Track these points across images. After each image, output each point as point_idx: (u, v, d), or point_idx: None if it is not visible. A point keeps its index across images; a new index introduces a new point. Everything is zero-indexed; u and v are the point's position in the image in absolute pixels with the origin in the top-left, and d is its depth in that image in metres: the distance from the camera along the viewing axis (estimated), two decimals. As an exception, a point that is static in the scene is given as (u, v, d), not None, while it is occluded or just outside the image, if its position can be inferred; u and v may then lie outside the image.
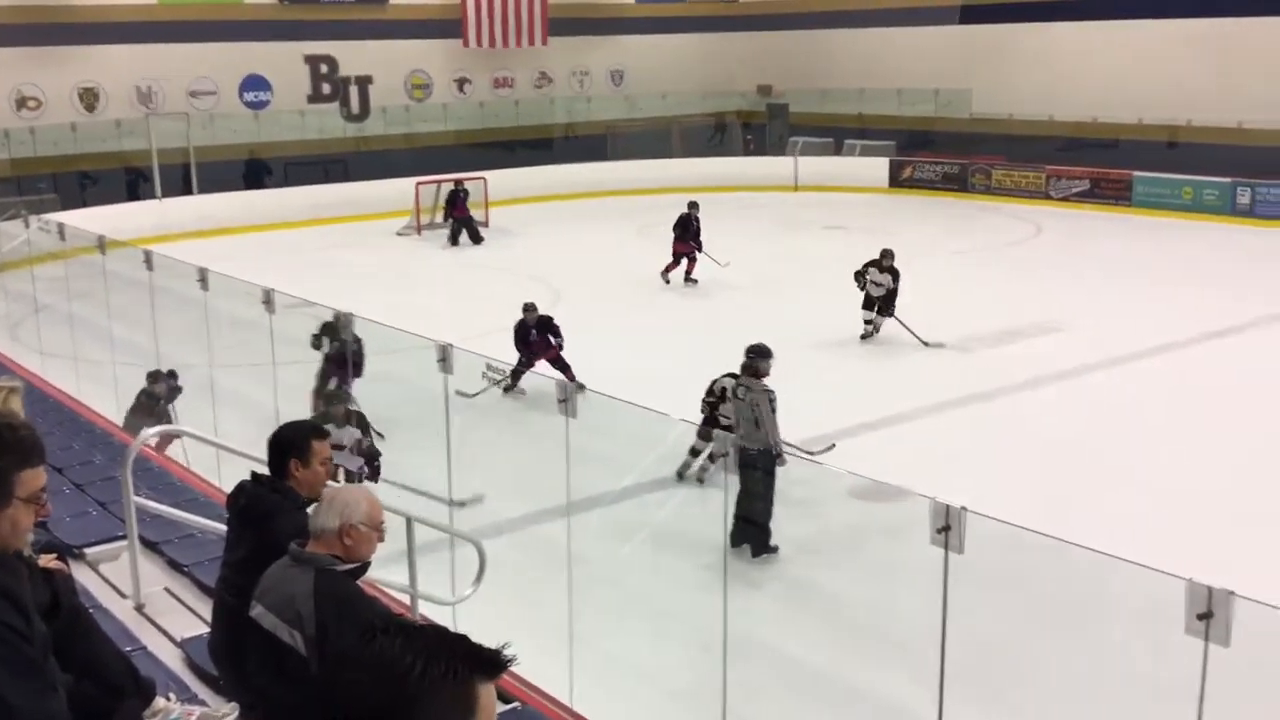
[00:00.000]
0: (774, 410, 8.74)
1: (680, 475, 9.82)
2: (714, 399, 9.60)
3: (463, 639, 1.80)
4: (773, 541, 8.42)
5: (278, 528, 3.72)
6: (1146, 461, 10.41)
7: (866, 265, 14.67)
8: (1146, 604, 4.45)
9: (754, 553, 8.36)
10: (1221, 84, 24.51)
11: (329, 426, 8.13)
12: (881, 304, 14.57)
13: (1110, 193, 25.43)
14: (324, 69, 29.01)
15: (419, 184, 24.16)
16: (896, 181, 28.84)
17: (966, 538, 4.51)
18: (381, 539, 3.66)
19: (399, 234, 23.90)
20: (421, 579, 5.75)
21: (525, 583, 7.60)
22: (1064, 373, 13.16)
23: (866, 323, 14.67)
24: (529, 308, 12.69)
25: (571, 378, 12.13)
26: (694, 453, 9.75)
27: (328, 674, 1.81)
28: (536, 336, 12.50)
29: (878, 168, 28.94)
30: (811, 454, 9.63)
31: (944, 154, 28.88)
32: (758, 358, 9.00)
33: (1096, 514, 8.71)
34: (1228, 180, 23.44)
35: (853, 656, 7.38)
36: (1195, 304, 16.23)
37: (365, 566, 3.58)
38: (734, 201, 27.36)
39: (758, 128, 33.75)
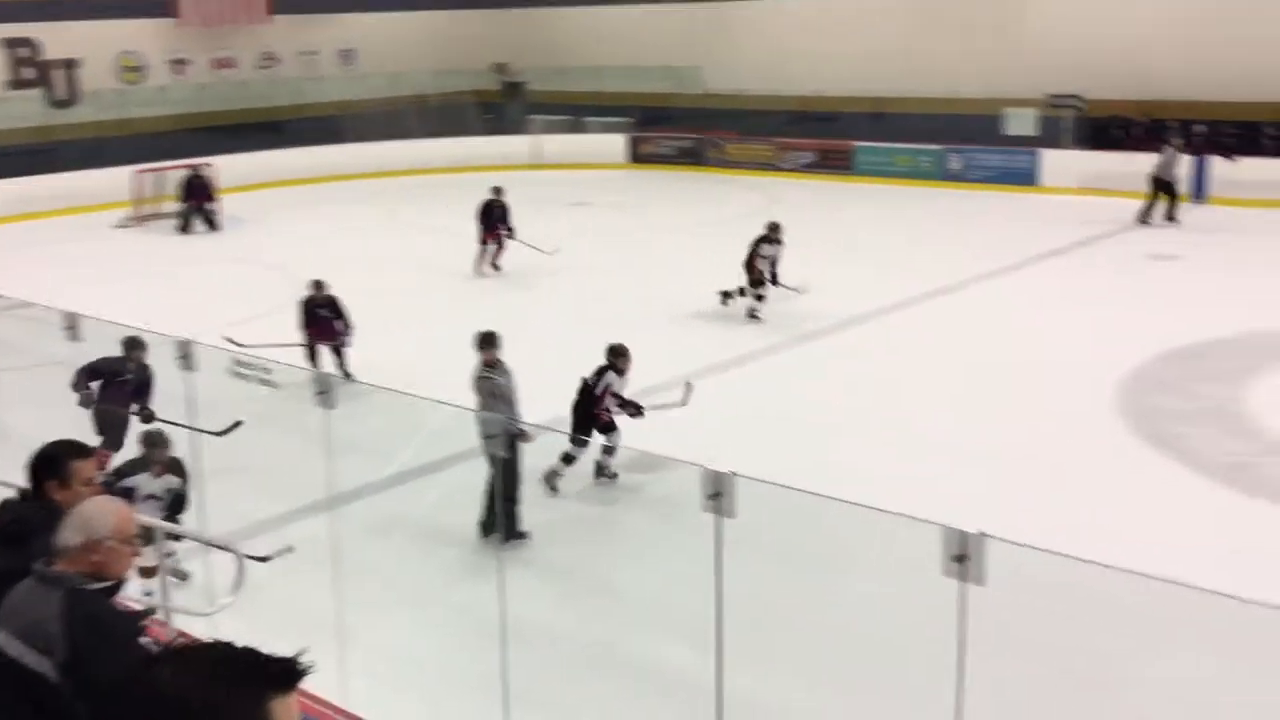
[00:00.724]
0: (504, 391, 8.57)
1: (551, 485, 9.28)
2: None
3: (248, 653, 1.66)
4: (523, 527, 8.27)
5: (35, 547, 3.38)
6: (896, 413, 10.98)
7: (757, 242, 14.54)
8: (907, 552, 4.66)
9: (504, 538, 8.15)
10: (930, 55, 26.15)
11: (143, 475, 7.29)
12: (772, 276, 14.65)
13: (835, 163, 26.68)
14: (24, 52, 26.80)
15: (139, 172, 22.71)
16: (636, 157, 29.30)
17: (738, 501, 4.62)
18: (136, 554, 3.39)
19: (118, 226, 22.37)
20: (178, 591, 5.41)
21: (287, 584, 7.28)
22: (811, 334, 13.74)
23: (758, 298, 14.61)
24: (317, 285, 12.11)
25: (345, 364, 11.82)
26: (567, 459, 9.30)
27: (96, 710, 1.64)
28: (324, 316, 11.97)
29: (617, 144, 29.32)
30: (671, 405, 9.69)
31: (680, 129, 29.54)
32: (486, 345, 8.72)
33: (856, 468, 9.12)
34: (940, 147, 25.03)
35: (631, 631, 7.45)
36: (921, 264, 17.26)
37: (119, 584, 3.31)
38: (476, 182, 27.11)
39: (495, 106, 33.51)
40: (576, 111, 30.74)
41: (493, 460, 7.75)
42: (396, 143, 28.47)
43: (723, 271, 15.56)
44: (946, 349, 13.14)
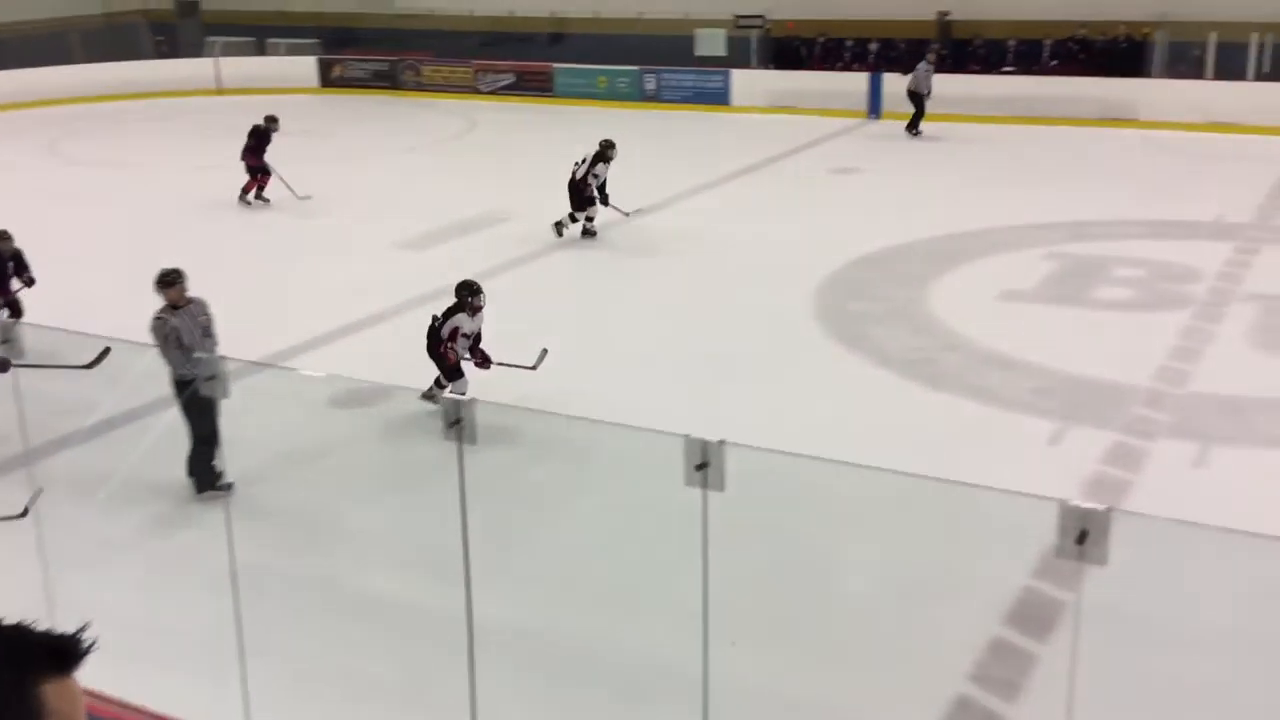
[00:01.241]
0: (179, 335, 7.92)
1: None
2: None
3: (15, 630, 1.47)
4: (227, 477, 7.73)
5: None
6: (620, 327, 11.20)
7: (593, 161, 14.22)
8: (655, 463, 4.80)
9: (198, 488, 7.76)
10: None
11: None
12: (602, 196, 14.37)
13: (534, 85, 26.59)
14: None
15: None
16: (327, 81, 28.16)
17: (478, 426, 4.60)
18: None
19: None
20: None
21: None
22: (525, 257, 13.75)
23: (589, 219, 14.42)
24: (3, 236, 10.75)
25: (18, 313, 10.71)
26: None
27: None
28: (11, 270, 10.72)
29: (306, 67, 28.03)
30: (521, 366, 9.06)
31: (372, 51, 28.57)
32: (164, 284, 8.02)
33: (599, 385, 9.26)
34: (637, 68, 25.41)
35: (367, 569, 7.31)
36: (627, 184, 17.52)
37: None
38: (152, 109, 25.27)
39: (168, 27, 31.24)
40: (259, 33, 29.12)
41: (184, 407, 7.34)
42: (57, 68, 26.06)
43: (426, 198, 15.28)
44: (658, 264, 13.50)
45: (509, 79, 26.82)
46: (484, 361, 8.90)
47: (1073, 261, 12.96)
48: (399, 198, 17.15)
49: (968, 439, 8.68)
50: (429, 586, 6.64)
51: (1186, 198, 15.67)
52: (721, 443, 4.14)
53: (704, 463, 4.17)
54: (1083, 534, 3.41)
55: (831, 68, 24.16)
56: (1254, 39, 20.66)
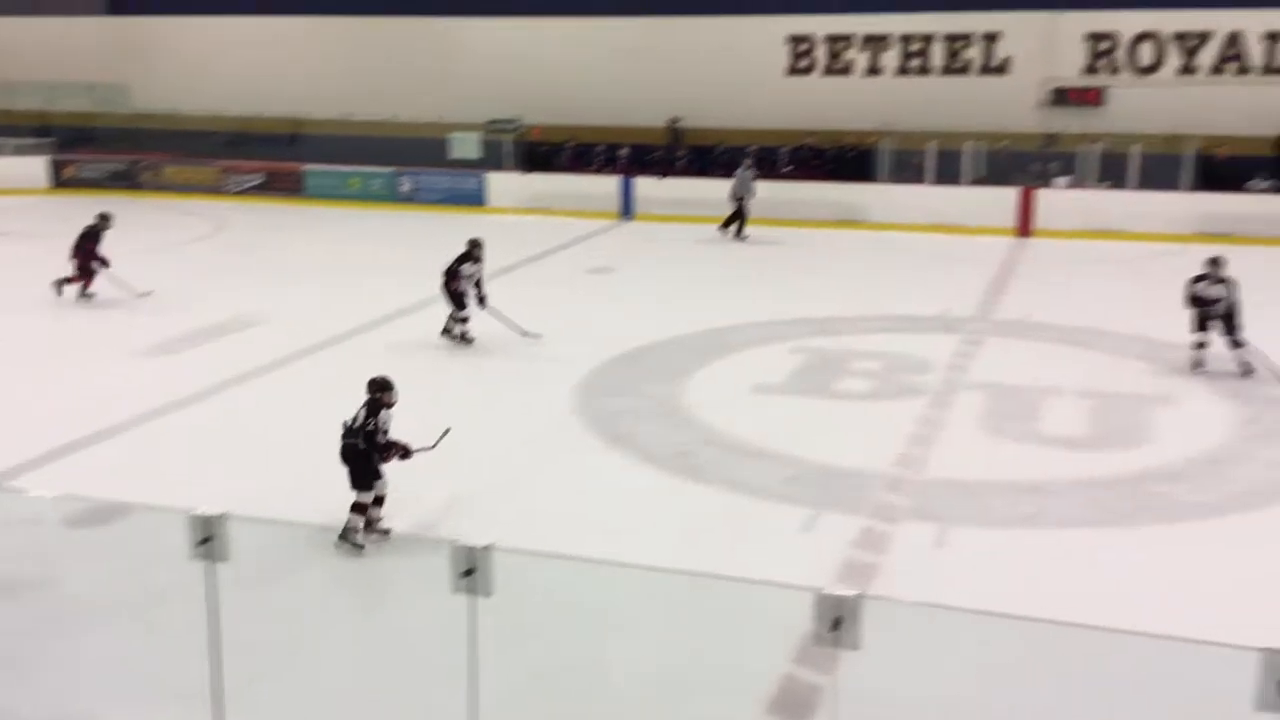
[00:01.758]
0: None
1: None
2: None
3: None
4: None
5: None
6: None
7: (457, 262, 13.88)
8: (419, 570, 4.69)
9: None
10: (374, 78, 26.40)
11: None
12: (479, 297, 13.97)
13: (285, 185, 26.09)
14: None
15: None
16: (59, 181, 26.79)
17: (231, 544, 4.40)
18: None
19: None
20: None
21: None
22: (270, 365, 13.30)
23: (462, 320, 14.05)
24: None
25: None
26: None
27: None
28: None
29: (35, 167, 26.60)
30: (422, 449, 8.58)
31: (109, 151, 27.38)
32: None
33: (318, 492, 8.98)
34: (390, 170, 25.33)
35: (116, 699, 6.78)
36: (380, 287, 17.36)
37: None
38: None
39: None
40: (-18, 132, 27.47)
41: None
42: None
43: (170, 304, 14.64)
44: (413, 366, 13.31)
45: (258, 179, 26.22)
46: (405, 453, 8.50)
47: (817, 355, 13.63)
48: (142, 301, 16.33)
49: (727, 531, 8.91)
50: (175, 716, 6.21)
51: (916, 294, 16.79)
52: (488, 548, 4.11)
53: (470, 569, 4.12)
54: (837, 620, 3.55)
55: (584, 171, 24.81)
56: (966, 147, 22.56)
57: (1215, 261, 12.86)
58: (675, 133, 24.53)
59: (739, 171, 21.43)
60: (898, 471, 10.04)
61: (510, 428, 11.23)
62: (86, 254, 16.01)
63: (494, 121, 25.32)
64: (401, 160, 25.28)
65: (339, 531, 8.20)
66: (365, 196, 25.36)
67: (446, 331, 14.18)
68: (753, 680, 6.67)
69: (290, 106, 26.78)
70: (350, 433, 8.37)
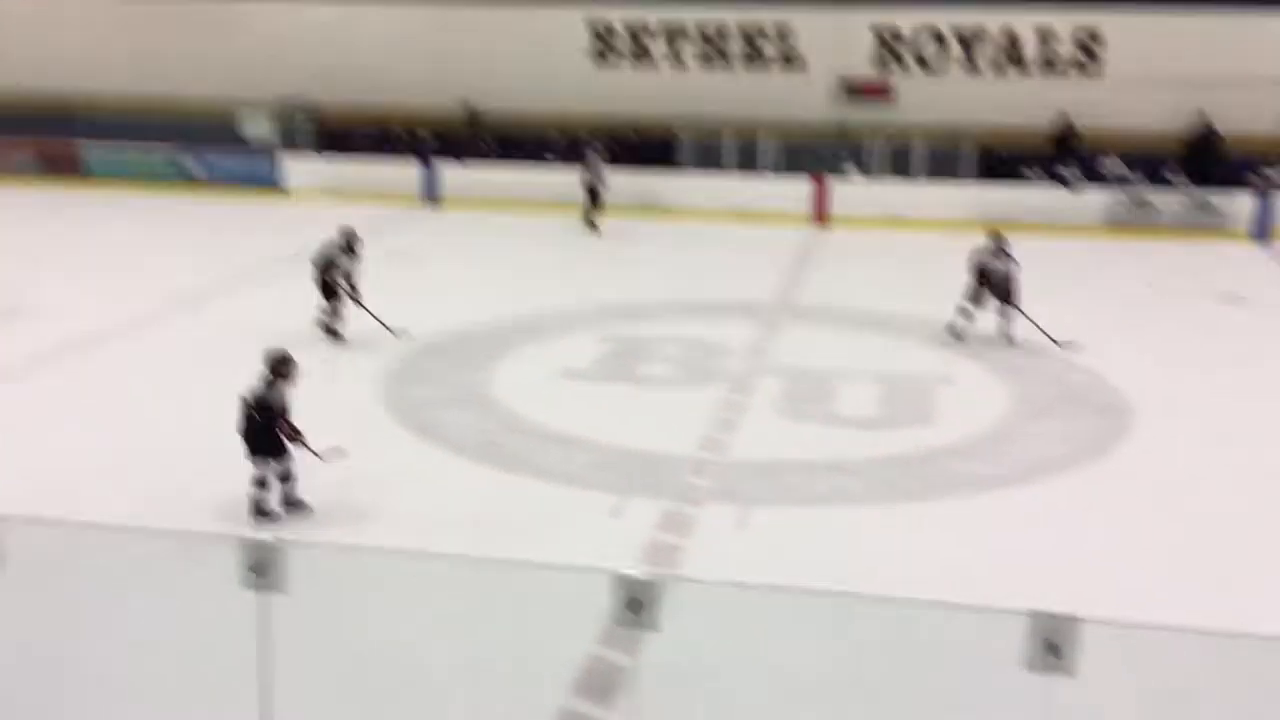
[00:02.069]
0: None
1: None
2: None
3: None
4: None
5: None
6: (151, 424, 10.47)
7: (337, 252, 13.23)
8: (209, 571, 4.52)
9: None
10: (160, 56, 25.14)
11: None
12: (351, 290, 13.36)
13: (62, 166, 24.59)
14: None
15: None
16: None
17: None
18: None
19: None
20: None
21: None
22: (46, 355, 12.57)
23: (334, 313, 13.44)
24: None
25: None
26: None
27: None
28: None
29: None
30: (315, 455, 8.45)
31: None
32: None
33: (151, 489, 8.55)
34: (179, 149, 24.20)
35: None
36: (169, 273, 16.60)
37: None
38: None
39: None
40: None
41: None
42: None
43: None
44: (210, 358, 12.81)
45: (27, 158, 24.61)
46: (295, 434, 8.58)
47: (622, 342, 13.76)
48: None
49: (534, 518, 8.94)
50: None
51: (718, 281, 17.14)
52: (280, 542, 4.00)
53: (260, 565, 4.00)
54: (634, 601, 3.61)
55: (385, 155, 24.27)
56: (764, 138, 23.14)
57: (999, 237, 13.88)
58: (473, 116, 24.25)
59: (589, 157, 21.26)
60: (701, 455, 10.26)
61: (314, 419, 10.91)
62: None
63: (288, 100, 24.46)
64: (190, 140, 24.22)
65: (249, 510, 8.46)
66: (150, 176, 24.16)
67: (326, 328, 13.47)
68: (559, 665, 6.71)
69: (67, 81, 25.24)
70: (251, 406, 8.43)
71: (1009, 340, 13.60)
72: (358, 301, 13.38)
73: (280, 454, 8.55)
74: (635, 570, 3.75)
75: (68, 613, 6.96)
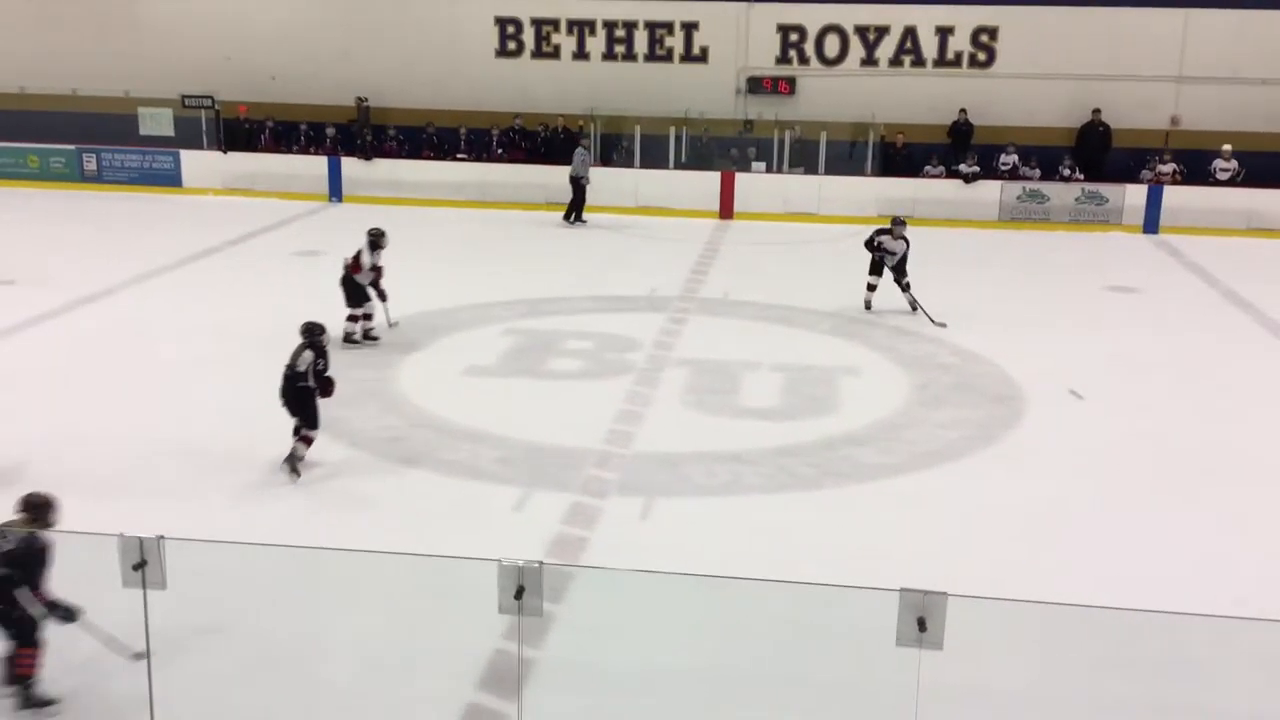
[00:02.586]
0: None
1: None
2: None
3: None
4: None
5: None
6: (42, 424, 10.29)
7: (368, 251, 13.31)
8: (89, 566, 4.52)
9: None
10: (52, 51, 24.48)
11: None
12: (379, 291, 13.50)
13: (-48, 163, 23.89)
14: None
15: None
16: None
17: None
18: None
19: None
20: None
21: None
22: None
23: (366, 316, 13.43)
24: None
25: None
26: None
27: None
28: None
29: None
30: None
31: None
32: None
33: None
34: (73, 147, 23.64)
35: None
36: (63, 274, 16.25)
37: None
38: None
39: None
40: None
41: None
42: None
43: None
44: (97, 356, 12.60)
45: (-82, 156, 23.89)
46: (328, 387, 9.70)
47: (529, 336, 13.81)
48: None
49: (442, 512, 8.99)
50: None
51: (624, 275, 17.26)
52: (160, 539, 4.01)
53: (141, 561, 4.02)
54: (519, 590, 3.70)
55: (288, 151, 23.96)
56: (671, 132, 23.32)
57: (898, 221, 15.23)
58: (362, 111, 24.02)
59: (577, 152, 21.27)
60: (606, 448, 10.37)
61: (215, 417, 10.83)
62: None
63: (188, 98, 24.00)
64: (86, 137, 23.65)
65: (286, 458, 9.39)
66: (46, 176, 23.58)
67: (349, 337, 13.17)
68: (463, 657, 6.78)
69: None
70: (298, 375, 9.39)
71: (912, 305, 14.90)
72: (383, 299, 13.46)
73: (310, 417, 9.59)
74: (518, 559, 3.84)
75: None
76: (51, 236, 19.24)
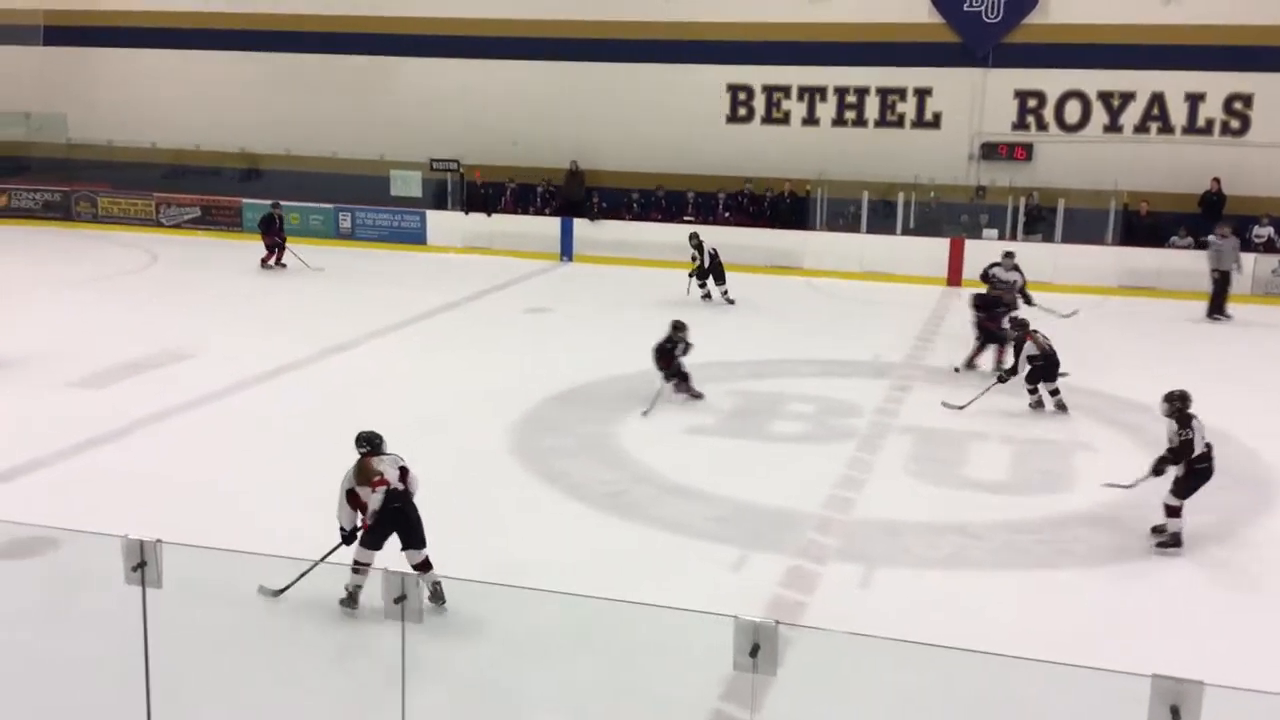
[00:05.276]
0: None
1: None
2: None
3: None
4: None
5: None
6: (293, 462, 10.93)
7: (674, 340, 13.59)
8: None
9: None
10: (314, 117, 26.38)
11: None
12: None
13: (222, 219, 25.99)
14: None
15: None
16: (-7, 210, 26.45)
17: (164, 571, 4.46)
18: None
19: None
20: None
21: None
22: (205, 397, 13.25)
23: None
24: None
25: None
26: None
27: None
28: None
29: (-33, 196, 26.23)
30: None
31: (43, 181, 27.13)
32: None
33: (268, 527, 8.98)
34: (331, 206, 25.35)
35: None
36: (317, 324, 17.36)
37: None
38: None
39: None
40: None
41: None
42: None
43: (99, 334, 14.47)
44: (341, 405, 13.35)
45: (194, 212, 26.09)
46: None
47: (751, 398, 13.84)
48: (72, 333, 16.21)
49: (658, 568, 9.05)
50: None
51: (848, 340, 17.11)
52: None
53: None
54: (755, 648, 3.70)
55: (524, 212, 24.99)
56: (900, 198, 23.09)
57: (1008, 254, 16.44)
58: (576, 176, 24.81)
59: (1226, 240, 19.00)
60: (826, 512, 10.25)
61: (445, 464, 11.29)
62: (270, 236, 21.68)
63: (436, 161, 25.41)
64: (344, 198, 25.34)
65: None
66: (305, 233, 25.32)
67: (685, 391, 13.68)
68: (680, 710, 6.79)
69: (230, 139, 26.68)
70: (404, 494, 7.91)
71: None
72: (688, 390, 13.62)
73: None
74: (754, 615, 3.85)
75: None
76: (313, 289, 20.59)
